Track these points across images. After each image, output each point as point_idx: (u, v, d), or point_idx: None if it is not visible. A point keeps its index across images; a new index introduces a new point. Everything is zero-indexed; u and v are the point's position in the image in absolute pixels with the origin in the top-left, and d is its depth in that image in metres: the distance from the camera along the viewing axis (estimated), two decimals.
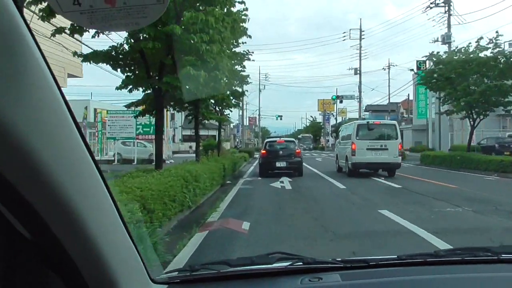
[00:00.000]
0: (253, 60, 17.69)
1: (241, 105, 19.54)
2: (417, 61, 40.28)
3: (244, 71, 18.79)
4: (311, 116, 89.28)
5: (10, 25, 0.62)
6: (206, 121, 17.93)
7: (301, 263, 1.39)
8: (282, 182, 14.82)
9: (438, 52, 22.75)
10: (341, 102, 44.04)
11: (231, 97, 18.57)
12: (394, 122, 19.37)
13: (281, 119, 71.80)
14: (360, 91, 44.42)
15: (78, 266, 0.87)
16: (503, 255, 1.45)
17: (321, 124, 79.12)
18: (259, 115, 64.54)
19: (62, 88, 0.74)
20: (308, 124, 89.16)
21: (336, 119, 76.51)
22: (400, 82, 55.21)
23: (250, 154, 35.30)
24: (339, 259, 1.44)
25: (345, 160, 17.37)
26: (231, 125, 78.75)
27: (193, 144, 54.67)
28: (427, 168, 22.72)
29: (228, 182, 15.01)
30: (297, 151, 17.94)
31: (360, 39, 44.67)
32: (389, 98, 55.37)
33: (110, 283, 0.94)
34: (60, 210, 0.76)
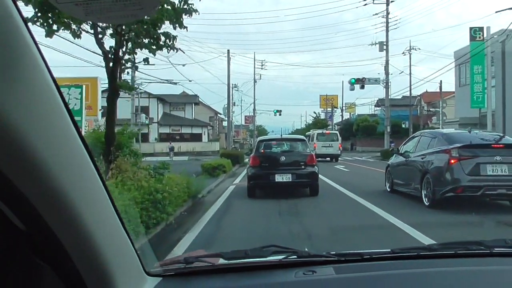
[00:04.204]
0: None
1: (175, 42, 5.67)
2: (470, 28, 28.29)
3: None
4: (314, 112, 76.83)
5: (7, 20, 0.60)
6: None
7: (295, 257, 1.38)
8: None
9: None
10: (362, 87, 31.85)
11: None
12: (337, 132, 34.65)
13: (279, 114, 59.47)
14: (387, 73, 32.12)
15: (73, 258, 0.85)
16: (495, 249, 1.45)
17: (325, 120, 66.96)
18: (254, 109, 52.43)
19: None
20: (310, 122, 76.55)
21: (342, 115, 64.48)
22: (421, 71, 42.90)
23: (237, 160, 23.07)
24: (333, 252, 1.41)
25: None
26: (224, 123, 66.76)
27: (182, 145, 41.03)
28: None
29: None
30: (309, 155, 10.88)
31: (388, 2, 32.45)
32: (410, 90, 43.40)
33: (104, 275, 0.92)
34: (55, 202, 0.75)
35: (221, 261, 1.33)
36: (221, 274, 1.31)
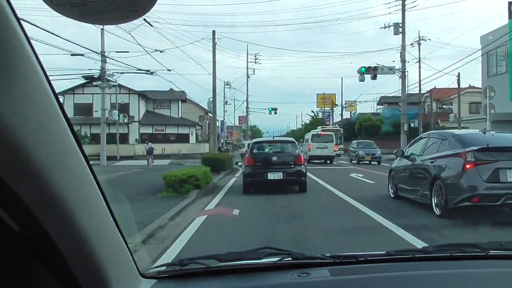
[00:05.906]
0: None
1: None
2: (509, 3, 23.26)
3: None
4: (312, 111, 71.50)
5: (1, 21, 0.60)
6: None
7: (290, 259, 1.37)
8: None
9: None
10: (374, 78, 26.70)
11: None
12: (332, 132, 31.16)
13: (275, 113, 54.06)
14: (403, 61, 26.91)
15: (68, 260, 0.85)
16: (490, 251, 1.44)
17: (323, 120, 61.76)
18: (247, 107, 47.15)
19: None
20: (308, 122, 71.13)
21: (341, 114, 59.31)
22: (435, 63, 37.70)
23: (223, 165, 17.77)
24: (328, 254, 1.41)
25: (305, 154, 24.66)
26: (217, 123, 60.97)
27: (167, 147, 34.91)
28: None
29: None
30: (298, 156, 11.68)
31: None
32: (419, 85, 38.16)
33: (100, 277, 0.93)
34: (50, 204, 0.74)
35: (216, 263, 1.32)
36: (215, 276, 1.31)
